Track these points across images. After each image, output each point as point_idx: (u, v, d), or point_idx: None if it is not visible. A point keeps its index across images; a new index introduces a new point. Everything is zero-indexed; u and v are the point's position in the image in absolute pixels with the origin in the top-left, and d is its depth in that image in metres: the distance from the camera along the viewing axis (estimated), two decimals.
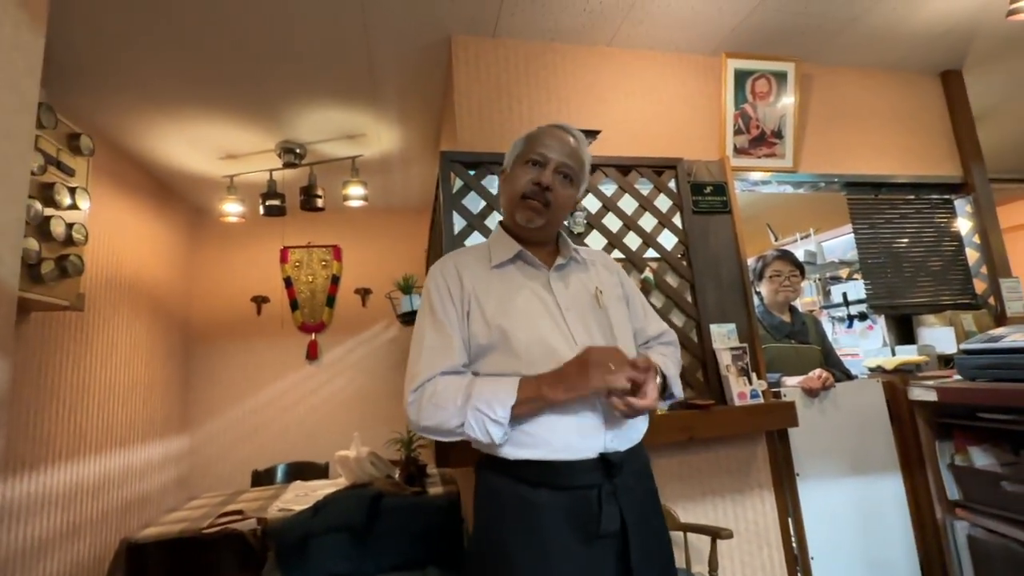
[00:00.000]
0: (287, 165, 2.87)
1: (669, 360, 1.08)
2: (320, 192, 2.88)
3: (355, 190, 2.93)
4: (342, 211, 3.56)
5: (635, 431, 0.99)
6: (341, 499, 1.92)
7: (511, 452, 0.91)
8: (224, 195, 3.01)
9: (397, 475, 2.29)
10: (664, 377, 1.02)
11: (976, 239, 2.47)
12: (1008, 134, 3.41)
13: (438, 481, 2.37)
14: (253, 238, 3.83)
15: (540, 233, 1.06)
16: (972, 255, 2.47)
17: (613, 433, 0.93)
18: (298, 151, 2.87)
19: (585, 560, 0.88)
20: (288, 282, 3.86)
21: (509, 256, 1.04)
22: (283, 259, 3.89)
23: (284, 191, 2.92)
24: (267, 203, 2.87)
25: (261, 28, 1.93)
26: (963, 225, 2.51)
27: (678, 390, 1.06)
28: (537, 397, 0.89)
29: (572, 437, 0.91)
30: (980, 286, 2.44)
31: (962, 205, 2.53)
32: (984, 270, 2.44)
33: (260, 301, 3.80)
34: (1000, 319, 2.34)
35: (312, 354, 3.79)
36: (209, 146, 2.81)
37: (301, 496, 2.41)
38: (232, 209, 2.99)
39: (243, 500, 2.47)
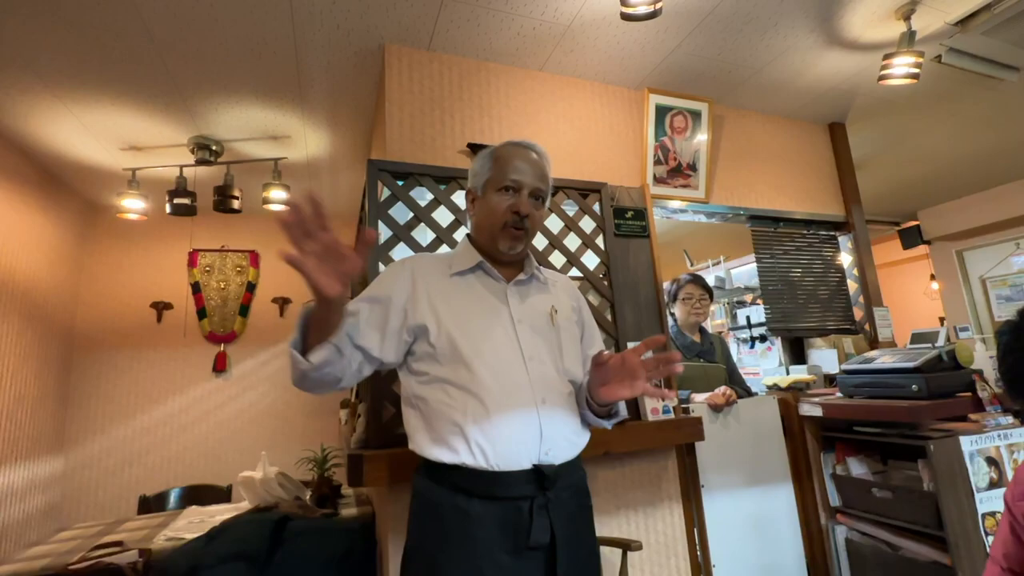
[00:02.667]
0: (200, 162, 2.67)
1: None
2: (237, 193, 2.70)
3: (277, 194, 2.79)
4: (262, 215, 3.36)
5: (571, 446, 1.00)
6: (240, 524, 1.76)
7: (446, 456, 0.92)
8: (124, 189, 2.74)
9: (308, 497, 2.15)
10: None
11: (855, 272, 2.80)
12: (881, 182, 3.93)
13: (353, 502, 2.25)
14: (156, 239, 3.51)
15: (514, 254, 1.08)
16: (852, 286, 2.79)
17: (548, 446, 0.95)
18: (214, 148, 2.68)
19: (514, 571, 0.89)
20: (196, 287, 3.56)
21: (470, 266, 1.06)
22: (191, 263, 3.59)
23: (195, 189, 2.71)
24: (175, 201, 2.64)
25: (173, 10, 1.80)
26: (845, 259, 2.84)
27: (623, 409, 1.11)
28: (313, 301, 0.82)
29: (508, 447, 0.92)
30: (858, 313, 2.75)
31: (844, 241, 2.85)
32: (862, 299, 2.76)
33: (162, 307, 3.47)
34: (873, 343, 2.66)
35: (220, 366, 3.50)
36: (108, 135, 2.55)
37: (195, 523, 2.18)
38: (133, 205, 2.73)
39: (125, 530, 2.19)
